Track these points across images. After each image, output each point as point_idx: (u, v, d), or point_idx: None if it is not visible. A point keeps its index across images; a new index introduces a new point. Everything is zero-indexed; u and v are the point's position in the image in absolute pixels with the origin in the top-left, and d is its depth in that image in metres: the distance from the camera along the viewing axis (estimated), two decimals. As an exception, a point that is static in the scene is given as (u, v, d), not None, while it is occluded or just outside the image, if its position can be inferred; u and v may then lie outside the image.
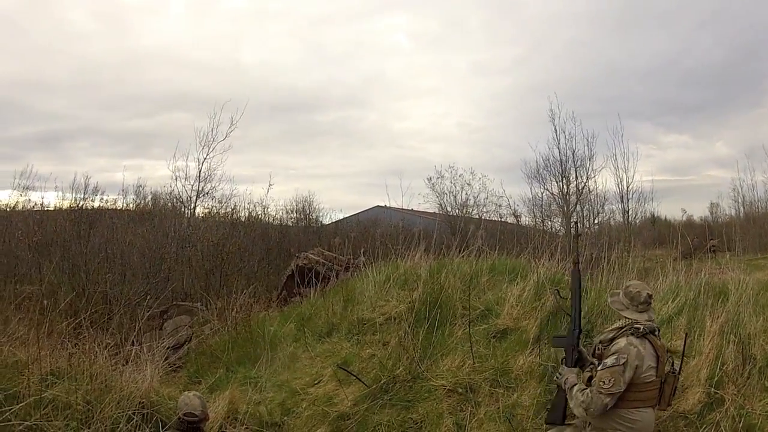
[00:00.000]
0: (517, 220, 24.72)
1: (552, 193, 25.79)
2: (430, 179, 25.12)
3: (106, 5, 48.32)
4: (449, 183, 24.97)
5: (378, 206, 24.00)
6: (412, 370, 5.38)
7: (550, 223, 25.93)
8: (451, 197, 24.97)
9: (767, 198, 35.55)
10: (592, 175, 26.00)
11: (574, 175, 25.62)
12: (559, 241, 7.60)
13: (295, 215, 24.08)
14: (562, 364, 3.98)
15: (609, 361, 3.52)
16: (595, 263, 6.63)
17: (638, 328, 3.62)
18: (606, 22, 57.76)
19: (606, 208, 28.49)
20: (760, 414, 4.34)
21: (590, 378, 3.70)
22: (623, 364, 3.46)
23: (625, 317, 3.75)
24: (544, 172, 25.86)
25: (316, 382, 5.67)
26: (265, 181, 43.90)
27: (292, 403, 5.49)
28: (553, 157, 25.78)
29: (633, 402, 3.54)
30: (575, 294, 4.13)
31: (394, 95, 59.10)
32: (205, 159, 17.85)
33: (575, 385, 3.68)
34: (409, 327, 5.71)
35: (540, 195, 25.89)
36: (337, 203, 65.06)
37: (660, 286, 5.99)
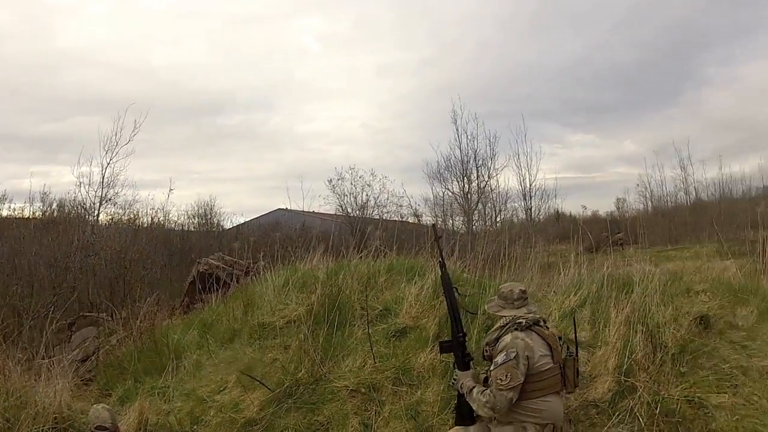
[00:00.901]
0: (418, 220, 25.07)
1: (453, 193, 26.70)
2: (330, 181, 25.04)
3: (24, 5, 45.33)
4: (349, 184, 24.96)
5: (279, 209, 23.71)
6: (314, 373, 5.37)
7: (451, 221, 26.66)
8: (351, 198, 24.99)
9: (676, 192, 38.49)
10: (494, 174, 27.20)
11: (475, 175, 26.75)
12: (458, 238, 7.80)
13: (196, 220, 23.91)
14: (454, 369, 3.97)
15: (499, 359, 3.52)
16: (494, 261, 6.90)
17: (520, 322, 3.66)
18: (517, 25, 59.79)
19: (509, 205, 29.70)
20: (678, 399, 4.48)
21: (486, 378, 3.73)
22: (514, 357, 3.48)
23: (505, 316, 3.80)
24: (446, 172, 26.88)
25: (221, 389, 5.60)
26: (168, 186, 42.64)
27: (200, 411, 5.41)
28: (455, 157, 26.93)
29: (535, 392, 3.56)
30: (448, 297, 4.14)
31: (301, 98, 59.06)
32: (108, 164, 17.20)
33: (474, 387, 3.68)
34: (308, 330, 5.70)
35: (441, 195, 26.74)
36: (241, 207, 63.41)
37: (561, 281, 6.21)
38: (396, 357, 5.29)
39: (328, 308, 5.94)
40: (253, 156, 52.12)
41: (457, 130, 27.32)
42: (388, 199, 25.28)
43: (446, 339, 4.23)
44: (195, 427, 5.27)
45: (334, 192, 24.94)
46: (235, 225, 24.24)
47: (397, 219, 24.02)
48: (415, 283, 6.07)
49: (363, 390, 5.06)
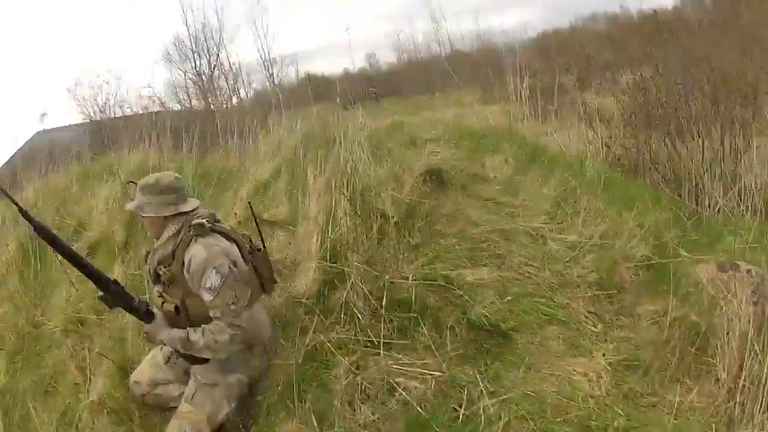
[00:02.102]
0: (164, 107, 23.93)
1: (185, 73, 25.44)
2: (69, 90, 21.82)
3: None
4: (89, 88, 22.18)
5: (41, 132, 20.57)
6: (30, 319, 4.47)
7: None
8: (92, 103, 22.39)
9: (428, 44, 38.70)
10: (224, 47, 26.21)
11: (206, 51, 25.86)
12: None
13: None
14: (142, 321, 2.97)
15: (210, 281, 2.68)
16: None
17: (201, 224, 2.77)
18: None
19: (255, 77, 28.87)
20: (415, 281, 3.50)
21: (176, 308, 2.84)
22: (229, 269, 2.72)
23: (170, 218, 2.87)
24: (176, 52, 25.54)
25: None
26: None
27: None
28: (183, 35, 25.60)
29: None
30: (56, 246, 2.76)
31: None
32: None
33: (179, 336, 2.81)
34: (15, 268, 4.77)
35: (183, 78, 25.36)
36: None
37: (260, 148, 5.54)
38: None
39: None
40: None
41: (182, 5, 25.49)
42: (127, 93, 24.90)
43: (102, 294, 2.95)
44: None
45: (78, 103, 21.94)
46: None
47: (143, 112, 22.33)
48: (107, 182, 5.25)
49: (70, 327, 4.24)
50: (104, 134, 17.60)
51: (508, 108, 8.75)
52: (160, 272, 2.86)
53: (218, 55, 25.72)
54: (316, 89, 37.11)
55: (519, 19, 63.51)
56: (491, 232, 4.01)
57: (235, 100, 25.39)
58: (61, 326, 4.26)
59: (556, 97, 8.98)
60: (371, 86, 32.84)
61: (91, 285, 3.00)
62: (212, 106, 22.38)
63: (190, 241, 2.78)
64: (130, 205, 2.93)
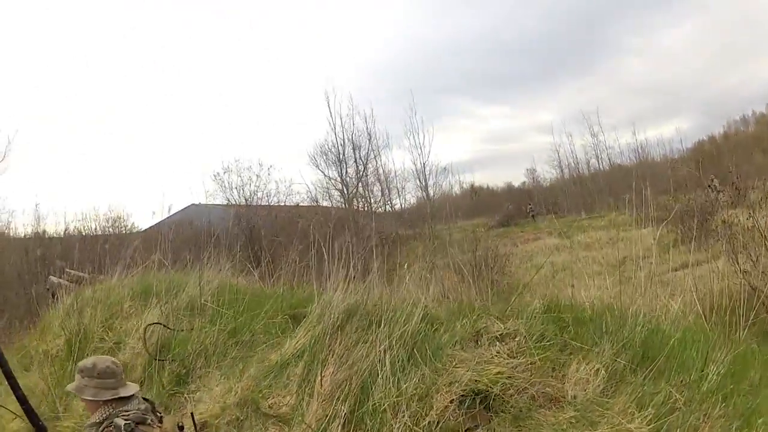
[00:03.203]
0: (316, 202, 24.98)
1: (330, 178, 26.15)
2: (216, 175, 24.16)
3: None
4: (236, 177, 24.02)
5: (192, 204, 22.57)
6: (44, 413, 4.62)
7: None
8: (239, 191, 24.04)
9: (587, 159, 37.63)
10: (372, 157, 26.48)
11: (353, 159, 26.13)
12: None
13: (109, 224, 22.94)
14: None
15: None
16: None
17: (120, 425, 2.67)
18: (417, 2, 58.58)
19: (410, 184, 29.86)
20: None
21: None
22: None
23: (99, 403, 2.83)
24: (319, 158, 26.55)
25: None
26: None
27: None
28: (330, 143, 26.38)
29: None
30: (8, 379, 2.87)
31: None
32: None
33: None
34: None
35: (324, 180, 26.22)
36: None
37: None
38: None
39: (74, 340, 5.32)
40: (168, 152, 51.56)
41: (331, 113, 26.69)
42: (277, 188, 24.91)
43: None
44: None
45: (221, 186, 24.11)
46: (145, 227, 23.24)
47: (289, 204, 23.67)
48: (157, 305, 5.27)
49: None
50: (250, 220, 19.52)
51: (659, 231, 7.43)
52: None
53: (365, 164, 26.08)
54: (478, 200, 37.81)
55: (675, 129, 65.81)
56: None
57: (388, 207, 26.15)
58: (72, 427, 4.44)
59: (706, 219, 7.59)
60: (530, 202, 32.54)
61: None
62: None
63: None
64: (70, 387, 2.92)
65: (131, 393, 2.89)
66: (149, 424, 2.84)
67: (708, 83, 53.89)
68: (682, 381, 3.78)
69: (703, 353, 4.03)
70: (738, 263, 6.38)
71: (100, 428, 2.76)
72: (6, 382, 2.81)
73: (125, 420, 2.73)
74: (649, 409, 3.60)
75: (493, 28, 59.88)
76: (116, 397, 2.83)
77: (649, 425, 3.47)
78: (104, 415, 2.80)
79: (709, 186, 16.21)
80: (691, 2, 57.62)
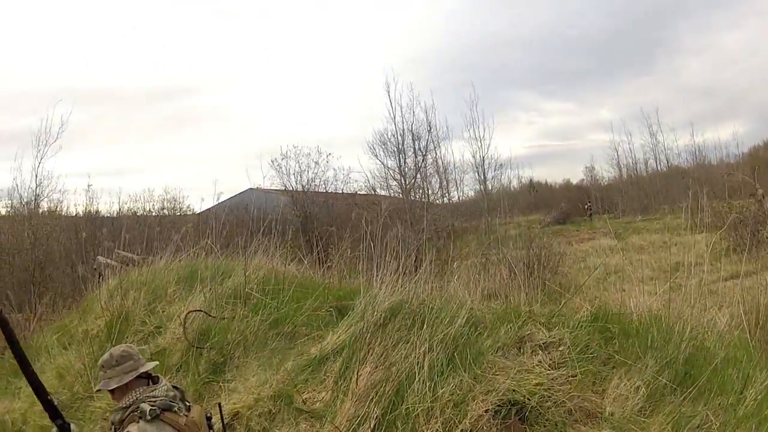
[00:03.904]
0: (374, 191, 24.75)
1: (388, 168, 25.55)
2: (274, 161, 23.76)
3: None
4: (294, 163, 23.58)
5: (250, 189, 22.73)
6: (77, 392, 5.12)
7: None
8: (296, 177, 23.67)
9: (645, 159, 36.37)
10: (432, 148, 25.91)
11: (412, 149, 25.41)
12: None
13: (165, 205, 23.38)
14: None
15: None
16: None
17: (145, 410, 2.69)
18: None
19: (468, 177, 29.65)
20: None
21: None
22: None
23: (136, 381, 2.88)
24: (378, 147, 25.65)
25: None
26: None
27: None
28: (390, 132, 25.54)
29: None
30: (24, 367, 2.68)
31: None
32: (39, 163, 16.28)
33: None
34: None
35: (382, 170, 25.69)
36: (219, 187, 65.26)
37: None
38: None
39: (115, 322, 5.49)
40: (229, 136, 52.02)
41: (391, 102, 25.66)
42: (335, 176, 24.32)
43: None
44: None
45: (278, 172, 23.72)
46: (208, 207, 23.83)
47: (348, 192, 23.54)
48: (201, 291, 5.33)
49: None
50: (306, 206, 19.62)
51: (712, 238, 7.12)
52: (115, 428, 2.83)
53: (424, 155, 25.60)
54: (536, 196, 37.20)
55: (732, 132, 62.17)
56: None
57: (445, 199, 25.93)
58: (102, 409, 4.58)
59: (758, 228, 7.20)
60: (588, 201, 31.89)
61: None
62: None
63: (132, 421, 2.72)
64: (98, 386, 2.97)
65: (151, 367, 2.96)
66: (175, 412, 2.85)
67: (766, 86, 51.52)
68: (719, 404, 3.62)
69: (744, 374, 3.84)
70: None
71: (127, 412, 2.79)
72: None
73: (151, 406, 2.76)
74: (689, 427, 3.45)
75: (560, 23, 58.33)
76: (138, 374, 2.89)
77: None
78: (131, 399, 2.83)
79: (752, 195, 15.56)
80: (752, 3, 54.91)
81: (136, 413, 2.73)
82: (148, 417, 2.70)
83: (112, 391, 2.92)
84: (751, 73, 54.12)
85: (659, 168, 36.46)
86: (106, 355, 2.93)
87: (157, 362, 3.02)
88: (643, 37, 56.92)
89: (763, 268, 6.80)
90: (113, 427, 2.84)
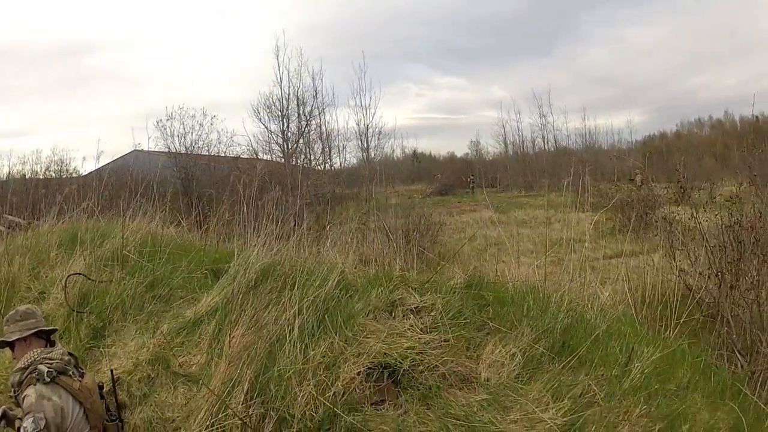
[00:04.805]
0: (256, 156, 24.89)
1: (271, 132, 26.31)
2: (159, 122, 23.81)
3: None
4: (179, 125, 23.74)
5: (135, 151, 22.28)
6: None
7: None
8: (181, 138, 23.80)
9: (533, 139, 38.67)
10: (317, 113, 26.92)
11: (296, 114, 26.29)
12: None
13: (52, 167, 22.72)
14: None
15: (27, 425, 2.72)
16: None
17: (42, 371, 2.86)
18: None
19: (352, 144, 31.04)
20: None
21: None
22: (44, 428, 2.71)
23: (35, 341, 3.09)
24: (263, 110, 26.57)
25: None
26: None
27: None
28: (275, 96, 26.52)
29: None
30: None
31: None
32: None
33: None
34: None
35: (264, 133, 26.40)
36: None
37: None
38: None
39: (2, 289, 5.30)
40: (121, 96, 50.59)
41: (279, 66, 26.86)
42: (219, 139, 25.29)
43: None
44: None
45: (162, 133, 23.68)
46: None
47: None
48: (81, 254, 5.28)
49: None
50: (189, 168, 19.28)
51: (597, 217, 7.59)
52: (13, 391, 2.98)
53: (308, 121, 26.18)
54: (420, 167, 38.16)
55: (627, 121, 69.04)
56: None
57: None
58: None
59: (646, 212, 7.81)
60: (471, 174, 32.95)
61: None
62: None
63: (30, 383, 2.86)
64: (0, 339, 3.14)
65: (51, 328, 3.20)
66: (70, 376, 2.97)
67: (667, 82, 55.80)
68: (603, 375, 3.79)
69: (629, 348, 4.04)
70: (675, 260, 6.50)
71: (25, 373, 2.90)
72: None
73: (48, 368, 2.88)
74: (565, 401, 3.59)
75: (467, 2, 59.37)
76: (38, 330, 3.08)
77: (564, 417, 3.44)
78: (30, 360, 2.94)
79: (630, 180, 16.82)
80: (664, 2, 58.84)
81: (33, 375, 2.87)
82: (46, 379, 2.84)
83: (12, 349, 3.08)
84: (655, 68, 57.78)
85: (547, 148, 38.36)
86: (11, 311, 3.15)
87: (57, 328, 3.21)
88: (547, 23, 59.27)
89: (650, 250, 7.26)
90: (12, 389, 2.98)
